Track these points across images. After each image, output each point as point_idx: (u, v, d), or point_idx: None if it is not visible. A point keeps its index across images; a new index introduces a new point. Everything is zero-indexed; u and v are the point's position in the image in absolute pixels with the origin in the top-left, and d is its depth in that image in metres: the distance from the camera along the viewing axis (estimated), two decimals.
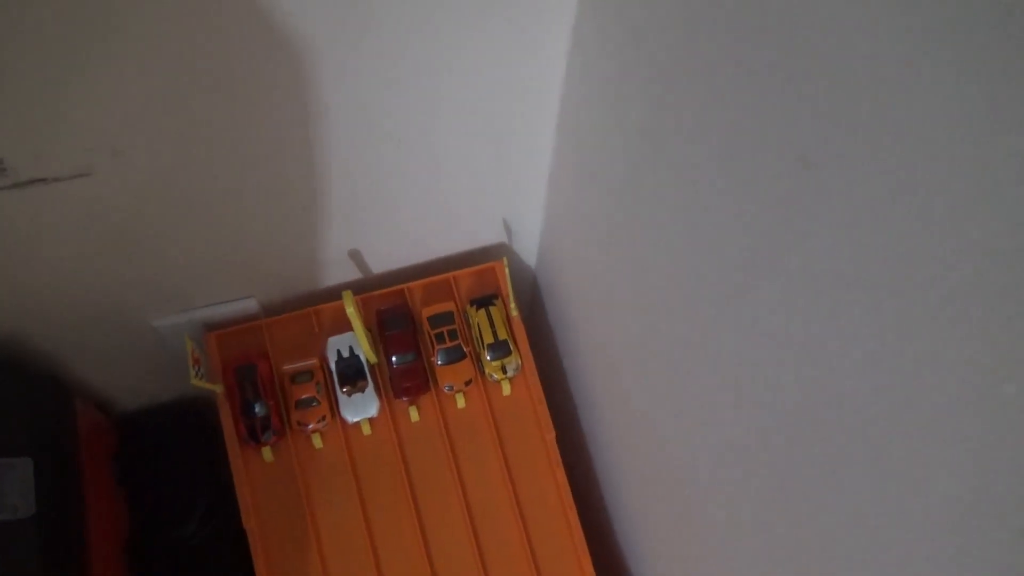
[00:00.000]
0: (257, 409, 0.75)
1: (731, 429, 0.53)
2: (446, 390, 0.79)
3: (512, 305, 0.79)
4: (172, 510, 0.87)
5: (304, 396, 0.76)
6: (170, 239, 0.67)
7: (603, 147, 0.60)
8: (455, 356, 0.79)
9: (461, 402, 0.79)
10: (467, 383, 0.79)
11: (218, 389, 0.75)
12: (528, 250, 0.87)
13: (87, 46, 0.46)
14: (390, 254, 0.80)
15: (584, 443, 0.86)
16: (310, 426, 0.76)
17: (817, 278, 0.36)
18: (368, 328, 0.78)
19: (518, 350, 0.80)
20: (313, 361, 0.78)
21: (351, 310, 0.72)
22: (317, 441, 0.77)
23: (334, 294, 0.81)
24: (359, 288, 0.80)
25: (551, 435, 0.79)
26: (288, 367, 0.77)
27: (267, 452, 0.76)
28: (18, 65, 0.46)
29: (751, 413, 0.50)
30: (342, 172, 0.65)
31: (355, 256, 0.78)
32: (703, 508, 0.63)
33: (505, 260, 0.77)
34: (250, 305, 0.79)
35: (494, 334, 0.79)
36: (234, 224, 0.67)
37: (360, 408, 0.77)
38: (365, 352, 0.77)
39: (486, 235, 0.82)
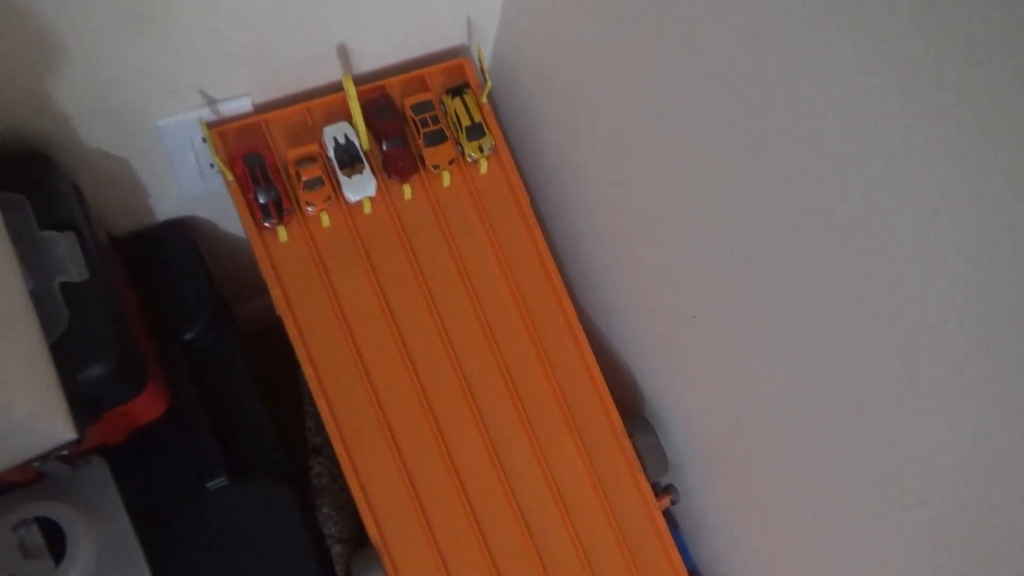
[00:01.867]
0: (268, 193, 0.84)
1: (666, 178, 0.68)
2: (433, 169, 0.90)
3: (485, 91, 0.91)
4: (181, 314, 0.94)
5: (310, 177, 0.85)
6: (184, 21, 0.73)
7: None
8: (438, 138, 0.90)
9: (446, 180, 0.91)
10: (450, 162, 0.90)
11: (229, 176, 0.83)
12: (485, 50, 0.98)
13: None
14: (369, 54, 0.89)
15: (545, 207, 1.01)
16: (317, 205, 0.85)
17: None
18: None
19: (491, 131, 0.92)
20: (315, 147, 0.86)
21: (351, 90, 0.82)
22: (325, 220, 0.86)
23: (322, 91, 0.89)
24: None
25: (525, 200, 0.92)
26: (293, 153, 0.86)
27: (281, 232, 0.85)
28: None
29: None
30: None
31: (341, 52, 0.86)
32: (640, 241, 0.78)
33: (478, 47, 0.88)
34: (245, 104, 0.86)
35: (470, 118, 0.90)
36: (235, 11, 0.74)
37: (360, 188, 0.87)
38: (360, 135, 0.86)
39: (451, 35, 0.92)
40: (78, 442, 0.79)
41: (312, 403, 0.90)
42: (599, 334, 1.01)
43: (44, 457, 0.74)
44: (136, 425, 0.84)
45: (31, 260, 0.70)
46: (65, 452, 0.76)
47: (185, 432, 0.89)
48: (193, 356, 0.95)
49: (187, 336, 0.94)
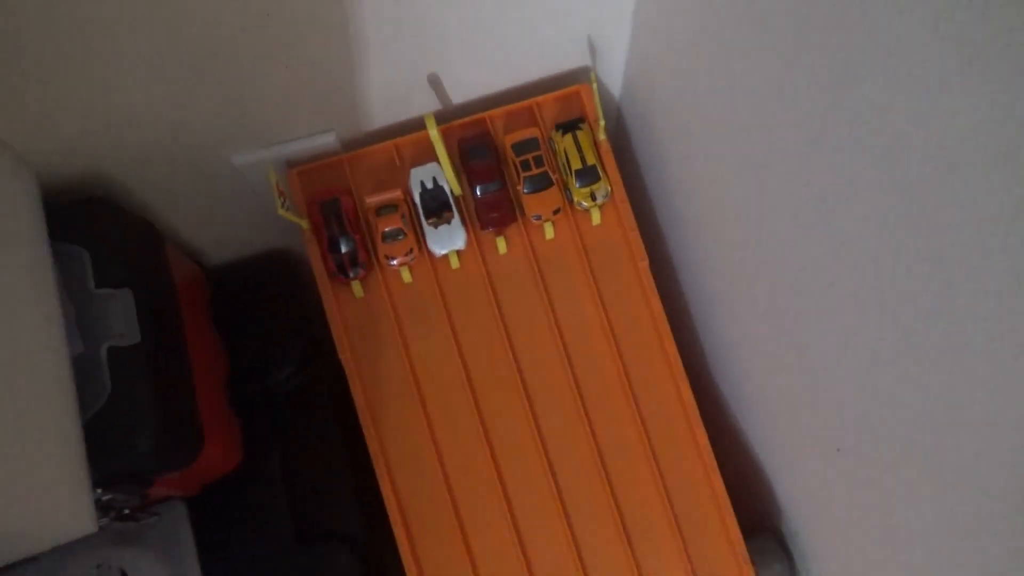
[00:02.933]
0: (344, 244, 0.74)
1: (833, 250, 0.49)
2: (534, 220, 0.76)
3: (601, 127, 0.75)
4: (268, 356, 0.89)
5: (390, 228, 0.74)
6: (258, 64, 0.64)
7: None
8: (542, 184, 0.76)
9: (550, 232, 0.77)
10: (555, 212, 0.76)
11: (303, 224, 0.75)
12: (613, 75, 0.81)
13: None
14: (469, 81, 0.76)
15: (674, 271, 0.83)
16: (397, 260, 0.75)
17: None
18: (450, 160, 0.75)
19: (607, 176, 0.76)
20: (397, 193, 0.76)
21: (434, 133, 0.69)
22: (406, 275, 0.76)
23: (414, 126, 0.78)
24: (439, 119, 0.76)
25: (644, 262, 0.76)
26: (372, 200, 0.76)
27: (356, 287, 0.76)
28: None
29: (854, 230, 0.45)
30: None
31: (434, 82, 0.74)
32: (799, 330, 0.59)
33: (593, 75, 0.73)
34: (329, 140, 0.77)
35: (582, 159, 0.75)
36: (314, 43, 0.64)
37: (447, 240, 0.75)
38: (449, 181, 0.74)
39: (569, 57, 0.77)
40: (142, 499, 0.76)
41: None
42: (729, 423, 0.83)
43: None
44: (208, 479, 0.80)
45: (82, 322, 0.66)
46: (127, 511, 0.73)
47: (256, 487, 0.83)
48: (278, 398, 0.89)
49: (274, 378, 0.88)
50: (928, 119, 0.38)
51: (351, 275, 0.75)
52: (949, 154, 0.37)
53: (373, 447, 0.74)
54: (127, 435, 0.65)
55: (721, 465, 0.74)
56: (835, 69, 0.44)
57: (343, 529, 0.85)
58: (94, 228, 0.69)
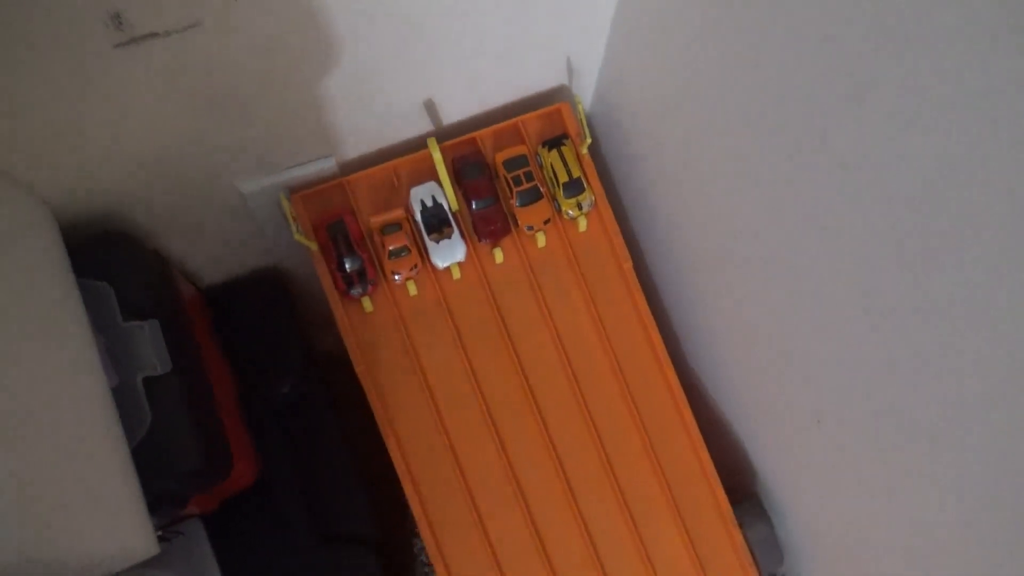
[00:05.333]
0: (352, 262, 0.79)
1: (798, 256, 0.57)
2: (527, 230, 0.82)
3: (585, 143, 0.82)
4: (271, 370, 0.92)
5: (396, 246, 0.79)
6: (262, 97, 0.68)
7: None
8: (532, 197, 0.82)
9: (541, 241, 0.83)
10: (545, 222, 0.82)
11: (313, 246, 0.79)
12: (586, 90, 0.88)
13: None
14: (459, 103, 0.82)
15: (653, 269, 0.92)
16: (403, 274, 0.80)
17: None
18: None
19: (591, 187, 0.83)
20: (400, 211, 0.81)
21: (437, 155, 0.75)
22: (412, 288, 0.81)
23: (409, 147, 0.83)
24: None
25: (628, 263, 0.84)
26: (376, 219, 0.80)
27: (366, 302, 0.80)
28: None
29: (827, 241, 0.54)
30: (409, 18, 0.66)
31: (428, 107, 0.80)
32: (770, 317, 0.68)
33: (577, 98, 0.79)
34: (329, 165, 0.81)
35: (568, 173, 0.82)
36: (320, 75, 0.68)
37: (448, 253, 0.81)
38: (448, 199, 0.80)
39: (549, 78, 0.84)
40: (172, 519, 0.79)
41: None
42: (708, 403, 0.92)
43: None
44: (228, 495, 0.84)
45: (115, 356, 0.68)
46: (159, 533, 0.76)
47: (275, 497, 0.87)
48: (283, 410, 0.93)
49: (276, 393, 0.92)
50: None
51: (360, 292, 0.79)
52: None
53: (393, 452, 0.79)
54: (172, 459, 0.68)
55: (706, 442, 0.83)
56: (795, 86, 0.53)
57: (359, 531, 0.90)
58: (114, 262, 0.71)
